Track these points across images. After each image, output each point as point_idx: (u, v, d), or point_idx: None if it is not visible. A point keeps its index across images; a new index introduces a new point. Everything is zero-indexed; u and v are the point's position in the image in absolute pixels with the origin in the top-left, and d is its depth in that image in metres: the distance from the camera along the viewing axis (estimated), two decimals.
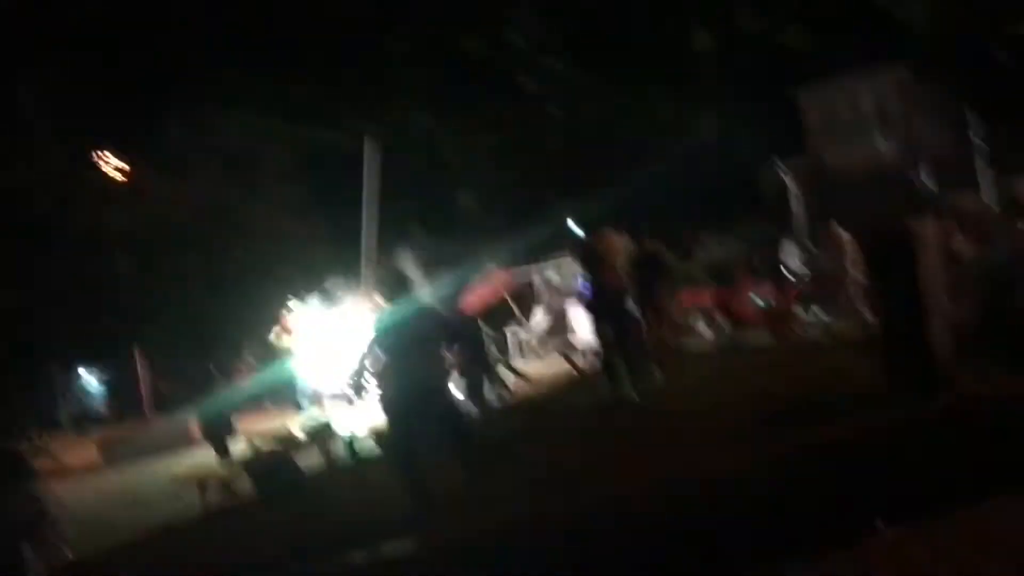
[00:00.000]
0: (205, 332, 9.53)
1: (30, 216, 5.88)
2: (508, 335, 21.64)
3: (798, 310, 11.81)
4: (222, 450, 9.68)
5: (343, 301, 12.35)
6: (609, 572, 4.80)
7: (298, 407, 12.68)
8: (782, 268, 14.72)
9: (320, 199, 11.55)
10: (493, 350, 12.70)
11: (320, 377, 12.94)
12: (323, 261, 11.82)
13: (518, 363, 17.92)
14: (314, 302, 12.15)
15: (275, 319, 12.44)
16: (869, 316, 8.51)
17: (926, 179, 16.76)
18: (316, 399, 12.84)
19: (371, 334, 7.05)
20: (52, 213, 5.82)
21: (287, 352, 12.20)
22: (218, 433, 10.04)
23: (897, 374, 7.36)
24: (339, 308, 12.14)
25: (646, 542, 5.05)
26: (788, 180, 14.02)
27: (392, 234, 14.94)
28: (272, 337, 12.30)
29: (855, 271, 10.92)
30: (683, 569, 4.62)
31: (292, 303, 12.04)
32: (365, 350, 7.00)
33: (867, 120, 23.20)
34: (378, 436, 10.07)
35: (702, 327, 16.72)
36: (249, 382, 11.57)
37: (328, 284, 12.27)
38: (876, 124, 22.90)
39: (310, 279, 11.91)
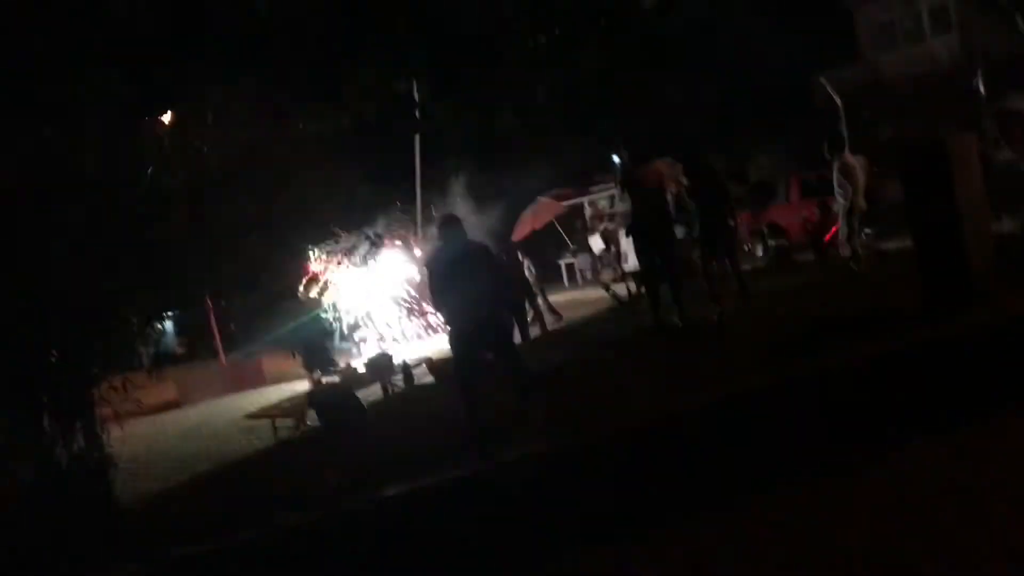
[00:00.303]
0: (261, 274, 10.00)
1: (94, 181, 6.30)
2: (560, 263, 21.99)
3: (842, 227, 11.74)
4: (318, 380, 10.28)
5: (385, 242, 12.64)
6: (654, 490, 5.12)
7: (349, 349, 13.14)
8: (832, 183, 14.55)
9: (358, 140, 11.70)
10: (533, 281, 12.97)
11: (368, 316, 13.37)
12: (364, 202, 12.03)
13: (571, 291, 18.21)
14: (356, 244, 12.41)
15: (302, 268, 12.66)
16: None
17: (981, 83, 16.25)
18: (363, 338, 13.27)
19: (427, 271, 7.39)
20: (112, 176, 6.23)
21: (315, 299, 12.52)
22: (320, 364, 10.67)
23: (932, 290, 7.46)
24: (382, 249, 12.41)
25: (688, 460, 5.37)
26: (833, 92, 13.68)
27: (441, 167, 15.16)
28: (301, 288, 12.60)
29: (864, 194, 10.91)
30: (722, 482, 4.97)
31: (322, 248, 12.27)
32: (427, 285, 7.31)
33: (922, 24, 22.43)
34: (433, 367, 10.56)
35: (753, 246, 16.81)
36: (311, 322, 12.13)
37: (371, 226, 12.51)
38: (931, 28, 22.13)
39: (350, 220, 12.13)
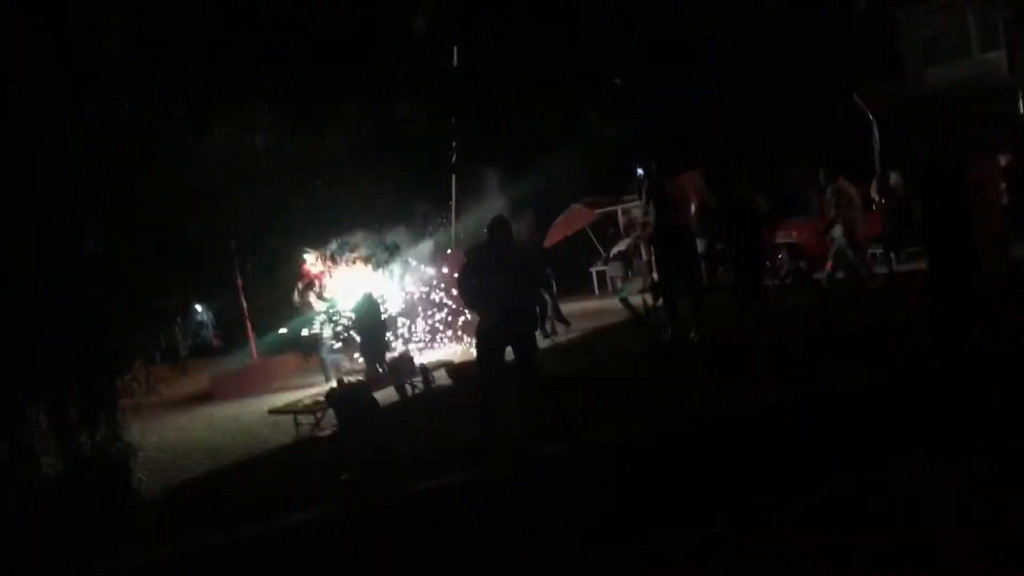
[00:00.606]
0: (280, 268, 10.27)
1: (131, 173, 6.56)
2: (592, 271, 22.01)
3: (871, 245, 11.74)
4: (339, 378, 10.56)
5: (405, 249, 12.79)
6: (652, 504, 5.22)
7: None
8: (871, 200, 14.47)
9: (385, 144, 11.81)
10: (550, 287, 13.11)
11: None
12: (388, 208, 12.17)
13: (600, 299, 18.21)
14: (373, 252, 12.53)
15: (298, 272, 12.75)
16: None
17: (1022, 102, 15.99)
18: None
19: (466, 264, 7.63)
20: (136, 179, 6.48)
21: (311, 307, 12.73)
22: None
23: (946, 313, 7.44)
24: (399, 257, 12.55)
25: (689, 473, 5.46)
26: (866, 107, 13.46)
27: (474, 170, 15.26)
28: (296, 294, 12.76)
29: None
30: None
31: (325, 249, 12.38)
32: (463, 284, 7.57)
33: (970, 40, 22.08)
34: (452, 370, 10.72)
35: (781, 262, 16.67)
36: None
37: (392, 232, 12.65)
38: (980, 45, 21.78)
39: (370, 224, 12.26)
